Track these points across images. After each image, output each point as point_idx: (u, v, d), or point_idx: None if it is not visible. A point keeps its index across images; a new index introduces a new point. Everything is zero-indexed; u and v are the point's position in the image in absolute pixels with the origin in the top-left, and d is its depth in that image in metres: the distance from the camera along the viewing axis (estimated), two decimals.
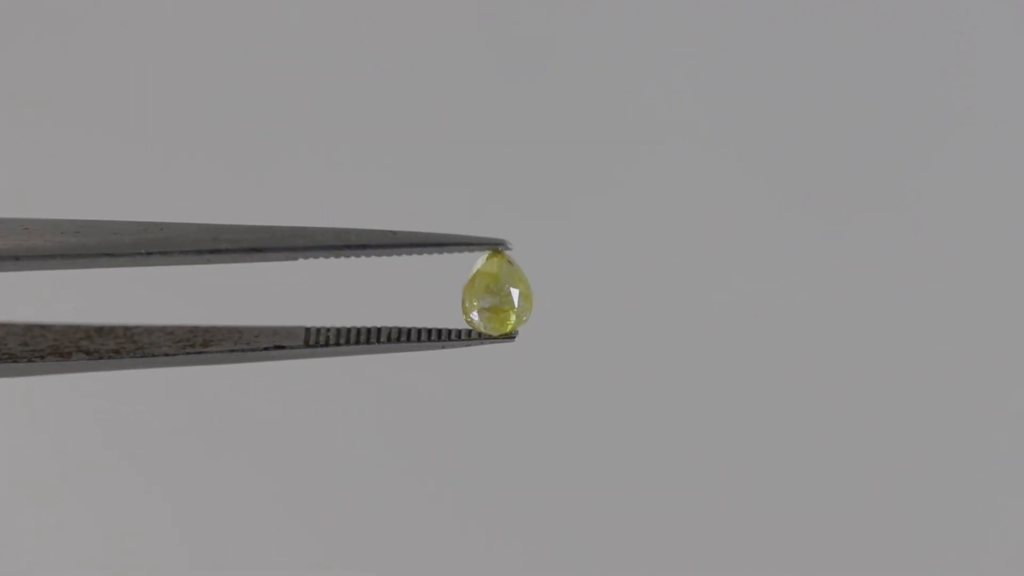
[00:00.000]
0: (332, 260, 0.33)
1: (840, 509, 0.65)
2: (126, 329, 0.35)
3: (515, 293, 0.33)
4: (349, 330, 0.34)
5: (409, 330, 0.34)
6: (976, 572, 0.65)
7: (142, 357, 0.34)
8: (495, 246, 0.33)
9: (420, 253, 0.32)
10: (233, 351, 0.34)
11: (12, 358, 0.34)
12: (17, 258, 0.32)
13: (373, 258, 0.33)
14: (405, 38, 0.65)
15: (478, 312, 0.33)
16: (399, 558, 0.64)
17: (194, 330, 0.35)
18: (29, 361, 0.34)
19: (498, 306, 0.33)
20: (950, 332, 0.65)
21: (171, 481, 0.64)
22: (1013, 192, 0.66)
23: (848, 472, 0.65)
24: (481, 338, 0.33)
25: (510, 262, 0.33)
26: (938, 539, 0.65)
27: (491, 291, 0.32)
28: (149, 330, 0.35)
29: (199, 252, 0.32)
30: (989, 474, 0.65)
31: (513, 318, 0.33)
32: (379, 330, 0.34)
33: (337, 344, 0.34)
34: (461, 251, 0.32)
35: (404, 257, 0.33)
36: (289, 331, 0.35)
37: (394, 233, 0.32)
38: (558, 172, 0.65)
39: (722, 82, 0.66)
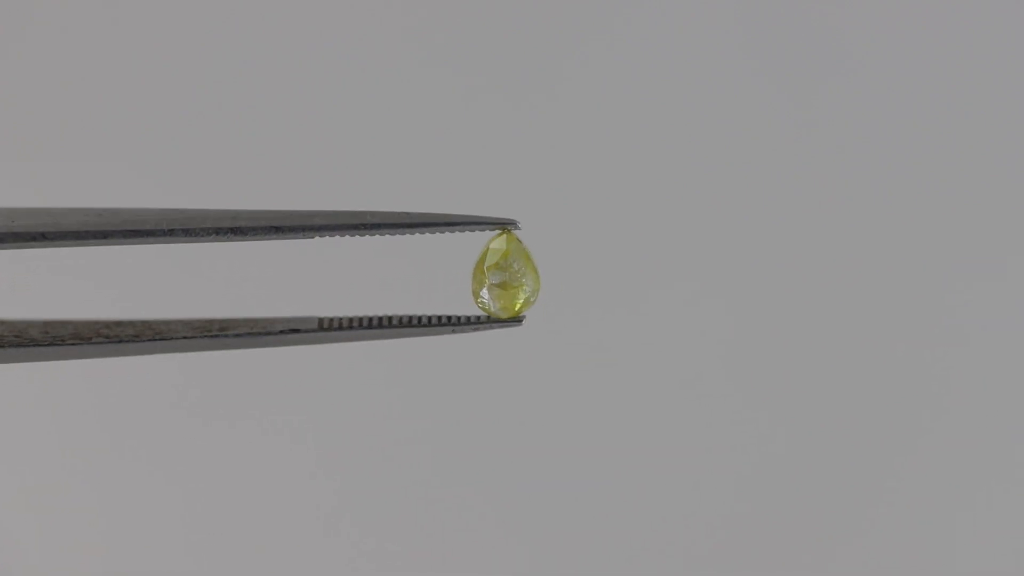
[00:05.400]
0: (347, 243, 0.34)
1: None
2: (144, 321, 0.36)
3: (524, 270, 0.34)
4: (362, 318, 0.35)
5: (420, 316, 0.35)
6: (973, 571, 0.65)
7: (160, 340, 0.35)
8: (505, 225, 0.34)
9: (432, 232, 0.33)
10: (250, 335, 0.35)
11: (34, 342, 0.35)
12: (44, 235, 0.33)
13: (387, 241, 0.34)
14: (414, 25, 0.66)
15: (487, 289, 0.34)
16: (404, 546, 0.64)
17: (211, 320, 0.36)
18: (50, 345, 0.35)
19: (507, 282, 0.34)
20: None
21: (174, 471, 0.64)
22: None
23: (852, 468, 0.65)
24: (490, 322, 0.34)
25: (519, 241, 0.34)
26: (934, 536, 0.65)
27: (500, 267, 0.33)
28: (167, 321, 0.36)
29: (219, 231, 0.33)
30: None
31: (522, 296, 0.34)
32: (391, 317, 0.35)
33: (351, 329, 0.35)
34: (472, 230, 0.34)
35: (417, 241, 0.34)
36: (303, 320, 0.35)
37: (407, 214, 0.34)
38: (564, 157, 0.66)
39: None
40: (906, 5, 0.67)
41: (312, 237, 0.33)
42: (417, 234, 0.34)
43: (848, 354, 0.66)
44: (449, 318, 0.35)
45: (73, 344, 0.35)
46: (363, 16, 0.66)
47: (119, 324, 0.36)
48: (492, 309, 0.34)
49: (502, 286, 0.34)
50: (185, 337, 0.35)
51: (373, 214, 0.34)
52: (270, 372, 0.62)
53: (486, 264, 0.34)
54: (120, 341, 0.35)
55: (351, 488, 0.64)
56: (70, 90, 0.65)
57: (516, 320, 0.34)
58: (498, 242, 0.34)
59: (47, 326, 0.36)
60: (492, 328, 0.35)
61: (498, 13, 0.67)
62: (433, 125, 0.66)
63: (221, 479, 0.63)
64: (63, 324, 0.36)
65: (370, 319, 0.35)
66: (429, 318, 0.35)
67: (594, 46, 0.67)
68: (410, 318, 0.35)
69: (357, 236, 0.34)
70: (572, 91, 0.66)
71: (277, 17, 0.66)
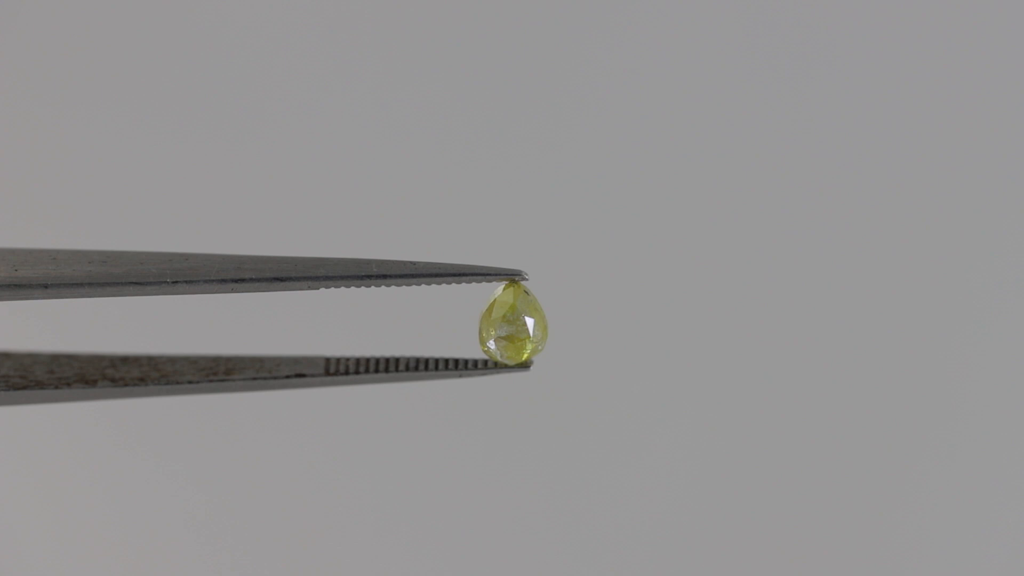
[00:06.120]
0: (353, 289, 0.34)
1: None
2: (150, 358, 0.36)
3: (531, 323, 0.33)
4: (368, 359, 0.35)
5: (427, 359, 0.35)
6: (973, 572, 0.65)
7: (166, 385, 0.35)
8: (512, 276, 0.33)
9: (439, 283, 0.33)
10: (255, 379, 0.35)
11: (39, 385, 0.35)
12: (46, 286, 0.33)
13: (393, 287, 0.34)
14: (420, 70, 0.66)
15: (495, 341, 0.33)
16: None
17: (217, 359, 0.35)
18: (55, 388, 0.35)
19: (514, 335, 0.33)
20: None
21: (174, 474, 0.64)
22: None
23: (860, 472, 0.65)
24: (497, 367, 0.34)
25: (526, 292, 0.33)
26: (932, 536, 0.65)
27: (508, 320, 0.33)
28: (173, 359, 0.35)
29: (223, 281, 0.33)
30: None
31: (529, 347, 0.33)
32: (398, 359, 0.35)
33: (356, 373, 0.35)
34: (479, 281, 0.33)
35: (423, 287, 0.34)
36: (310, 360, 0.35)
37: (413, 264, 0.33)
38: (572, 201, 0.65)
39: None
40: (905, 7, 0.65)
41: (317, 288, 0.33)
42: (424, 285, 0.33)
43: (854, 368, 0.65)
44: (456, 362, 0.35)
45: (79, 387, 0.35)
46: (369, 59, 0.65)
47: (124, 362, 0.35)
48: (499, 359, 0.34)
49: (509, 338, 0.33)
50: (190, 381, 0.35)
51: (379, 264, 0.33)
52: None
53: (493, 316, 0.33)
54: (126, 384, 0.35)
55: (353, 500, 0.64)
56: (71, 89, 0.64)
57: (523, 366, 0.34)
58: (505, 295, 0.33)
59: (53, 362, 0.36)
60: (499, 373, 0.34)
61: (500, 49, 0.66)
62: (440, 168, 0.65)
63: (222, 484, 0.64)
64: (69, 360, 0.36)
65: (376, 361, 0.35)
66: (436, 361, 0.35)
67: (599, 84, 0.66)
68: (416, 361, 0.35)
69: (363, 287, 0.33)
70: (576, 125, 0.66)
71: (296, 45, 0.65)
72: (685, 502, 0.65)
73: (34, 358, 0.36)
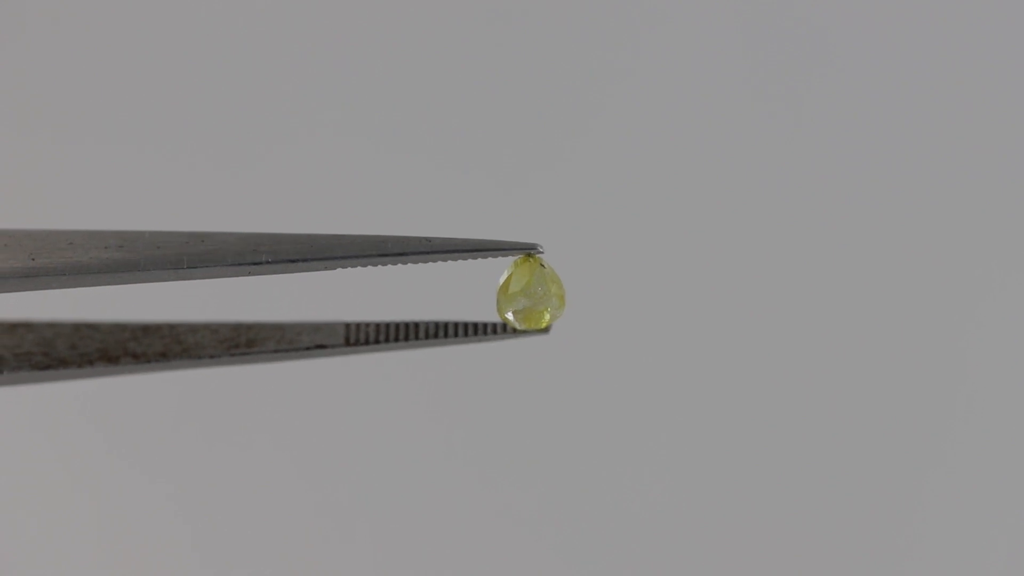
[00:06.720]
0: (369, 268, 0.34)
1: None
2: (171, 327, 0.36)
3: (548, 295, 0.33)
4: (388, 325, 0.35)
5: (447, 324, 0.35)
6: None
7: (188, 359, 0.35)
8: (528, 251, 0.33)
9: (455, 259, 0.33)
10: (276, 351, 0.35)
11: (62, 363, 0.35)
12: (63, 274, 0.33)
13: (409, 265, 0.34)
14: (438, 44, 0.65)
15: (513, 314, 0.33)
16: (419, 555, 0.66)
17: (238, 327, 0.36)
18: (79, 366, 0.35)
19: (532, 308, 0.33)
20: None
21: (178, 477, 0.65)
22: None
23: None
24: (516, 332, 0.34)
25: (542, 265, 0.33)
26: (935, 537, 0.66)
27: (525, 294, 0.33)
28: (194, 328, 0.36)
29: (240, 264, 0.33)
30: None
31: (547, 316, 0.34)
32: (417, 325, 0.35)
33: (376, 342, 0.35)
34: (495, 256, 0.33)
35: (439, 263, 0.34)
36: (330, 327, 0.36)
37: (429, 240, 0.33)
38: (587, 169, 0.65)
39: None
40: (902, 13, 0.64)
41: (334, 268, 0.33)
42: (440, 261, 0.33)
43: (855, 368, 0.65)
44: (475, 327, 0.35)
45: (101, 365, 0.35)
46: (386, 43, 0.64)
47: (146, 331, 0.36)
48: (518, 328, 0.34)
49: (527, 311, 0.33)
50: (212, 355, 0.35)
51: (396, 241, 0.33)
52: (282, 371, 0.62)
53: (510, 291, 0.33)
54: (148, 360, 0.35)
55: (360, 495, 0.65)
56: (101, 96, 0.63)
57: (543, 330, 0.34)
58: (522, 268, 0.33)
59: (75, 334, 0.36)
60: (518, 337, 0.35)
61: (512, 34, 0.64)
62: (453, 145, 0.64)
63: (225, 486, 0.64)
64: (90, 331, 0.36)
65: (396, 327, 0.35)
66: (456, 326, 0.35)
67: (609, 66, 0.65)
68: (436, 327, 0.35)
69: (379, 266, 0.33)
70: (588, 103, 0.64)
71: (312, 27, 0.64)
72: (685, 500, 0.65)
73: (55, 329, 0.36)
